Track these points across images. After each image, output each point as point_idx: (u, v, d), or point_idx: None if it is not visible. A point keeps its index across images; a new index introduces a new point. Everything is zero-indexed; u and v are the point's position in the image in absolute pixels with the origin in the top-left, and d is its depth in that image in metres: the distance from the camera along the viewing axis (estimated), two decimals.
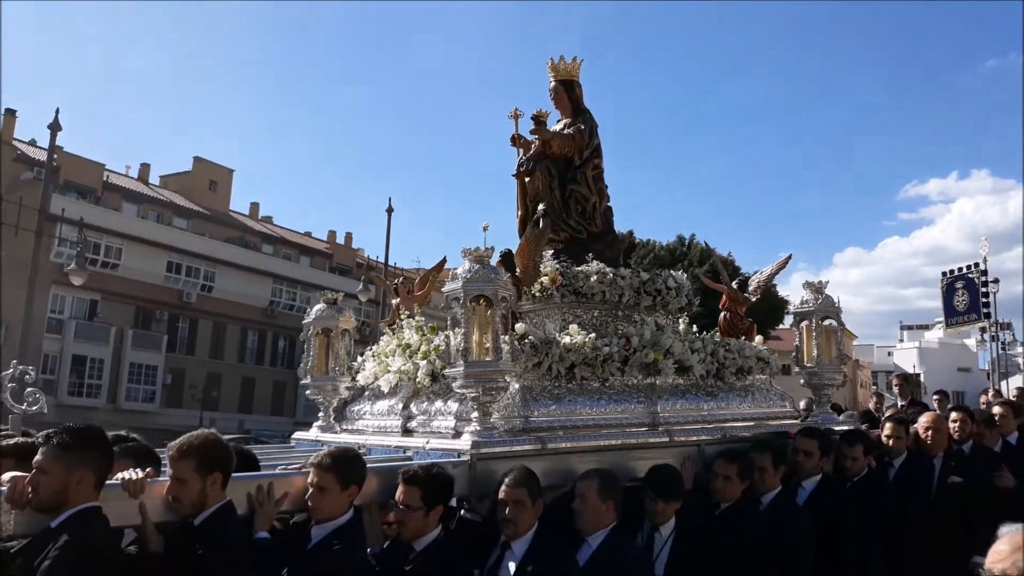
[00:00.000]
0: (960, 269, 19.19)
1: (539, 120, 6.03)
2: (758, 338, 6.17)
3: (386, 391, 5.33)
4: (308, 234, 51.47)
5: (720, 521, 4.86)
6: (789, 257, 6.31)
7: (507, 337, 4.55)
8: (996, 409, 6.76)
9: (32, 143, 38.68)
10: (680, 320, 6.24)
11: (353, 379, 5.84)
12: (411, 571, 3.74)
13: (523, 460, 4.31)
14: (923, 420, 6.17)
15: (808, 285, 6.05)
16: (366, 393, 5.79)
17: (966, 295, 18.58)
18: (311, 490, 3.60)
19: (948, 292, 18.92)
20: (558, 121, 6.31)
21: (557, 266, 5.52)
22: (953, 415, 6.36)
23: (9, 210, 32.73)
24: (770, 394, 5.96)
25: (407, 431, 5.13)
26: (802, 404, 9.75)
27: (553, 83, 6.22)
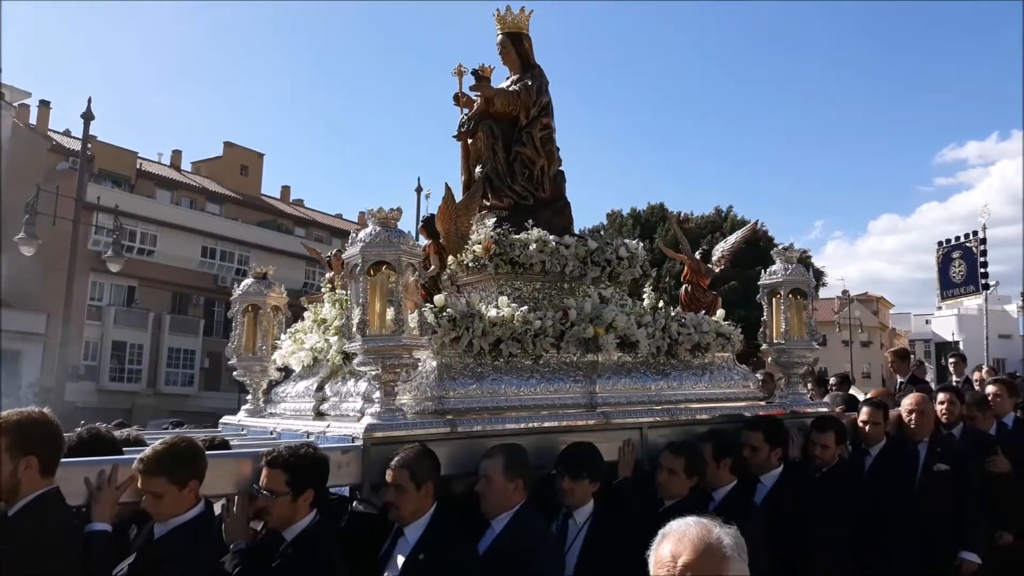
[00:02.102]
0: (958, 239, 18.15)
1: (481, 76, 5.56)
2: (720, 312, 5.64)
3: (297, 370, 4.96)
4: (339, 216, 51.45)
5: (662, 520, 4.40)
6: (756, 223, 5.72)
7: (423, 310, 4.15)
8: (990, 388, 6.16)
9: (67, 133, 39.19)
10: (645, 294, 5.75)
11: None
12: (279, 565, 3.37)
13: (431, 444, 3.91)
14: (906, 402, 5.63)
15: (779, 254, 5.52)
16: (294, 374, 5.43)
17: (963, 265, 17.57)
18: (145, 496, 3.24)
19: (944, 263, 17.93)
20: (507, 78, 5.83)
21: (492, 234, 5.07)
22: (940, 396, 5.79)
23: (46, 199, 33.27)
24: (731, 373, 5.45)
25: (320, 414, 4.76)
26: (832, 380, 9.17)
27: (500, 36, 5.74)
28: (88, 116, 22.84)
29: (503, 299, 4.72)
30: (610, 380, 4.88)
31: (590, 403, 4.76)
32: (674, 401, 5.04)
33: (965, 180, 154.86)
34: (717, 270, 5.92)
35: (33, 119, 38.86)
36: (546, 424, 4.44)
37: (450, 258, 5.17)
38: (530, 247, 5.06)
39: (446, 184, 4.81)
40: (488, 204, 5.57)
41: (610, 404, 4.80)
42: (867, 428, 5.39)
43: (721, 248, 6.11)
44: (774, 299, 5.48)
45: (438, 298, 4.52)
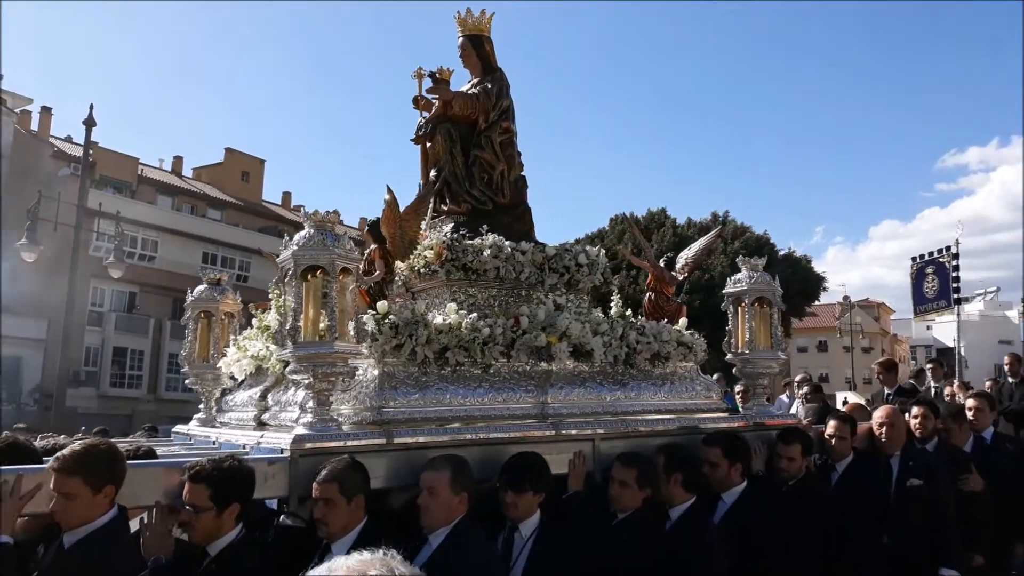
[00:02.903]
0: (931, 254, 18.01)
1: (440, 79, 5.43)
2: (682, 321, 5.48)
3: (241, 379, 4.82)
4: (340, 222, 51.48)
5: (614, 534, 4.25)
6: (721, 230, 5.57)
7: (360, 316, 4.02)
8: (969, 402, 5.96)
9: (68, 139, 39.27)
10: (613, 302, 5.60)
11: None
12: None
13: (365, 456, 3.76)
14: (877, 415, 5.46)
15: (744, 262, 5.36)
16: (242, 383, 5.29)
17: (936, 280, 17.40)
18: (55, 497, 3.09)
19: (918, 278, 17.75)
20: (468, 82, 5.70)
21: (444, 239, 4.92)
22: (915, 409, 5.61)
23: (48, 206, 33.32)
24: (693, 384, 5.29)
25: (262, 424, 4.62)
26: (804, 390, 8.97)
27: (460, 39, 5.61)
28: (90, 122, 22.86)
29: (451, 306, 4.58)
30: (563, 390, 4.73)
31: (541, 414, 4.61)
32: (630, 412, 4.88)
33: (966, 186, 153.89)
34: (680, 278, 5.75)
35: (35, 125, 38.93)
36: (492, 435, 4.27)
37: (402, 264, 5.04)
38: (484, 253, 4.92)
39: (388, 187, 4.68)
40: (446, 209, 5.43)
41: (562, 415, 4.64)
42: (833, 442, 5.22)
43: (685, 255, 5.95)
44: (739, 308, 5.31)
45: (381, 304, 4.37)
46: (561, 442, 4.44)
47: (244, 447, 4.22)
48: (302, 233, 3.97)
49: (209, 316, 5.41)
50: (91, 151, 24.60)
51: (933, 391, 9.69)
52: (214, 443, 4.69)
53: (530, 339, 4.59)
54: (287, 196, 50.36)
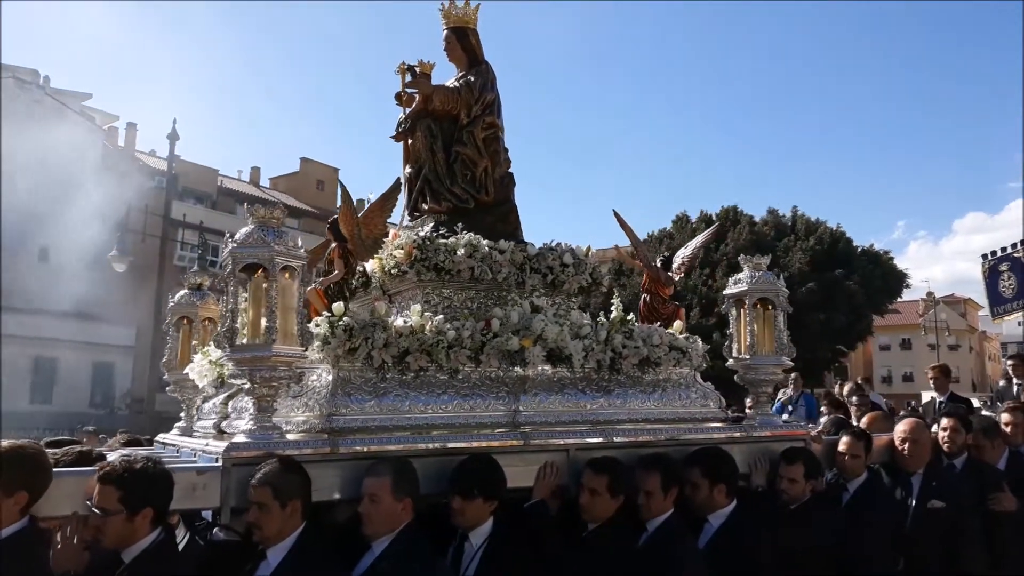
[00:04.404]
0: (1004, 249, 16.31)
1: (421, 72, 5.23)
2: (677, 323, 5.10)
3: (200, 385, 4.69)
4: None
5: (583, 546, 3.96)
6: (717, 226, 5.18)
7: (303, 317, 3.83)
8: (1005, 416, 5.38)
9: (152, 153, 40.82)
10: (614, 305, 5.27)
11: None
12: None
13: (309, 466, 3.57)
14: (899, 429, 4.99)
15: (745, 260, 4.96)
16: (214, 390, 5.17)
17: (1012, 278, 15.75)
18: None
19: (991, 276, 16.06)
20: (455, 77, 5.47)
21: (414, 238, 4.70)
22: (943, 422, 5.10)
23: (136, 217, 34.72)
24: (689, 391, 4.91)
25: (221, 432, 4.47)
26: (824, 405, 8.44)
27: (445, 31, 5.39)
28: (173, 136, 23.77)
29: (415, 307, 4.35)
30: (537, 397, 4.44)
31: (512, 422, 4.33)
32: (613, 421, 4.56)
33: None
34: (677, 278, 5.37)
35: (122, 141, 40.64)
36: (450, 445, 4.00)
37: (374, 264, 4.84)
38: (458, 252, 4.67)
39: (340, 183, 4.48)
40: (426, 208, 5.21)
41: (535, 423, 4.35)
42: (846, 460, 4.78)
43: (682, 254, 5.57)
44: (741, 310, 4.91)
45: (336, 306, 4.18)
46: (530, 452, 4.15)
47: (195, 454, 4.09)
48: (244, 230, 3.81)
49: (191, 322, 5.31)
50: (174, 164, 25.61)
51: (1016, 389, 8.96)
52: (177, 452, 4.58)
53: (501, 343, 4.32)
54: (360, 203, 51.22)
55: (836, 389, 13.28)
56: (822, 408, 8.21)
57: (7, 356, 34.85)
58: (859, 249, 33.58)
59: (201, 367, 4.73)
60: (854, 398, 8.29)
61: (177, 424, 5.33)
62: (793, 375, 11.44)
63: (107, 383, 38.95)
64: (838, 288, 30.28)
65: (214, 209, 41.34)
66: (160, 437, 5.41)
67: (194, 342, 5.16)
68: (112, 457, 3.85)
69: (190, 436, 5.09)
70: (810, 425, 5.93)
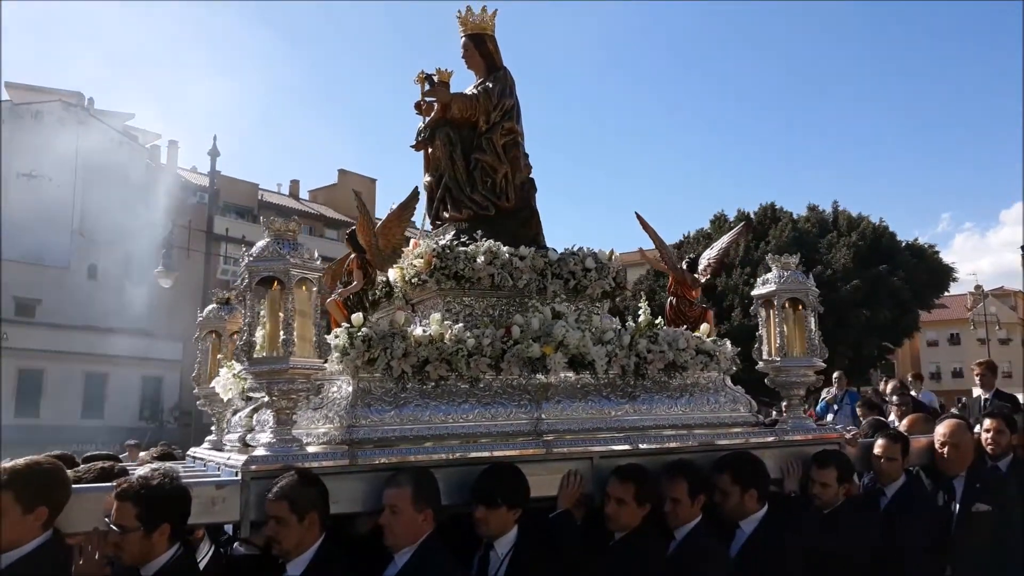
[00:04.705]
0: None
1: (439, 81, 5.20)
2: (704, 326, 4.99)
3: (226, 399, 4.71)
4: None
5: (610, 556, 3.89)
6: (745, 225, 5.08)
7: (321, 329, 3.82)
8: None
9: (193, 170, 41.58)
10: (641, 310, 5.19)
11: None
12: None
13: (328, 479, 3.56)
14: (940, 430, 4.83)
15: (774, 260, 4.84)
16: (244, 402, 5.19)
17: None
18: None
19: None
20: (473, 84, 5.45)
21: (434, 246, 4.67)
22: (986, 422, 4.91)
23: (180, 233, 35.45)
24: (719, 396, 4.80)
25: (247, 445, 4.48)
26: (859, 406, 8.22)
27: (463, 39, 5.37)
28: (214, 153, 24.17)
29: (435, 316, 4.32)
30: (560, 404, 4.37)
31: (535, 430, 4.27)
32: (639, 428, 4.47)
33: None
34: (704, 280, 5.26)
35: (164, 158, 41.49)
36: (471, 455, 3.96)
37: (395, 274, 4.83)
38: (477, 260, 4.63)
39: (355, 193, 4.48)
40: (447, 216, 5.19)
41: (558, 431, 4.29)
42: (882, 463, 4.63)
43: (708, 256, 5.44)
44: (770, 311, 4.79)
45: (355, 316, 4.17)
46: (553, 461, 4.09)
47: (218, 467, 4.10)
48: (260, 243, 3.83)
49: (220, 336, 5.35)
50: (215, 180, 26.07)
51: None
52: (204, 466, 4.60)
53: (521, 350, 4.27)
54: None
55: (881, 386, 12.97)
56: (858, 410, 7.97)
57: (60, 373, 35.75)
58: (903, 243, 32.87)
59: (226, 381, 4.76)
60: (895, 398, 8.03)
61: (208, 438, 5.36)
62: (837, 373, 11.21)
63: (156, 397, 39.67)
64: (882, 284, 29.63)
65: (255, 223, 41.98)
66: (192, 451, 5.46)
67: (219, 356, 5.20)
68: (140, 471, 3.89)
69: (219, 450, 5.12)
70: (849, 427, 5.78)
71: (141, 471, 3.77)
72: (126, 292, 37.70)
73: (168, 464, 4.34)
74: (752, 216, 31.89)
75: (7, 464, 3.11)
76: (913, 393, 11.73)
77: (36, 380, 36.01)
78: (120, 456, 6.96)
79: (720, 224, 32.24)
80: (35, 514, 3.05)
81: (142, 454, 5.61)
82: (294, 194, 46.97)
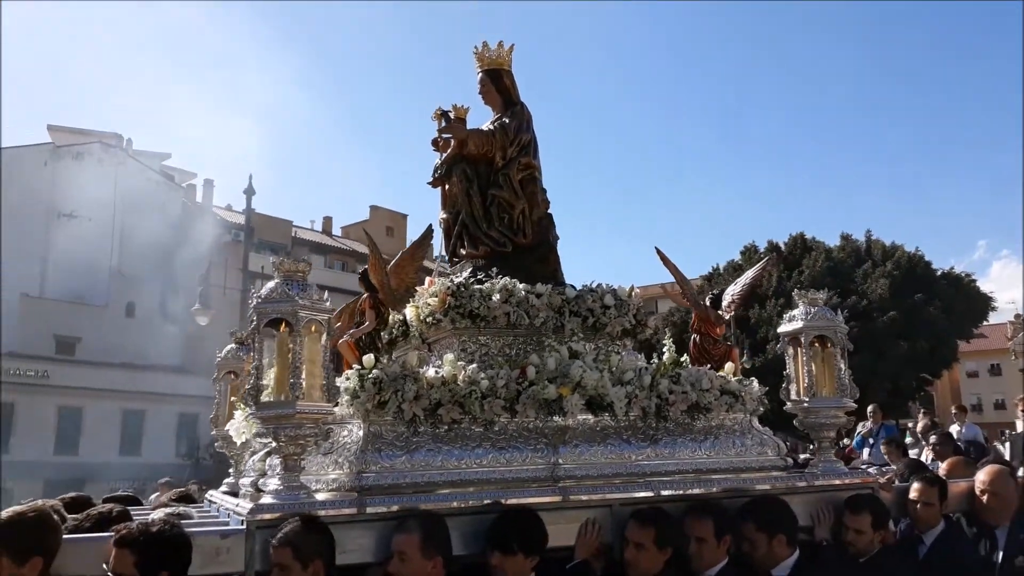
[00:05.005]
0: None
1: (455, 117, 5.16)
2: (729, 365, 4.82)
3: (239, 442, 4.62)
4: None
5: None
6: (770, 259, 4.92)
7: (330, 372, 3.74)
8: None
9: (228, 208, 42.22)
10: (665, 348, 5.05)
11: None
12: None
13: (336, 528, 3.45)
14: (981, 478, 4.59)
15: (801, 295, 4.67)
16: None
17: None
18: None
19: None
20: (491, 119, 5.39)
21: (448, 284, 4.58)
22: None
23: (216, 271, 35.98)
24: (744, 438, 4.61)
25: (259, 490, 4.38)
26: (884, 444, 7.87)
27: (479, 74, 5.32)
28: (250, 192, 24.53)
29: (448, 356, 4.21)
30: (578, 448, 4.22)
31: (552, 476, 4.11)
32: (661, 473, 4.29)
33: None
34: (728, 316, 5.10)
35: (199, 197, 42.20)
36: (485, 503, 3.82)
37: (411, 313, 4.74)
38: (493, 298, 4.53)
39: (365, 232, 4.41)
40: (464, 253, 5.10)
41: (576, 477, 4.13)
42: (918, 508, 4.40)
43: (732, 292, 5.28)
44: (797, 349, 4.61)
45: (367, 358, 4.07)
46: (570, 509, 3.94)
47: (230, 514, 4.01)
48: (269, 284, 3.76)
49: (237, 376, 5.29)
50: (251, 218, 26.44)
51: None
52: (217, 512, 4.52)
53: (537, 391, 4.13)
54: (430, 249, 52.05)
55: (920, 419, 12.58)
56: (882, 448, 7.65)
57: (99, 410, 36.18)
58: (939, 272, 32.19)
59: (239, 424, 4.68)
60: (932, 437, 7.69)
61: (227, 480, 5.28)
62: (871, 407, 10.90)
63: (192, 434, 39.91)
64: (919, 314, 28.97)
65: (288, 259, 42.44)
66: (209, 494, 5.38)
67: (233, 398, 5.13)
68: (155, 515, 3.81)
69: (234, 493, 5.03)
70: (885, 468, 5.54)
71: (156, 515, 3.71)
72: (163, 330, 38.25)
73: (182, 508, 4.27)
74: (782, 247, 31.47)
75: None
76: (956, 427, 11.35)
77: (75, 418, 36.46)
78: (152, 495, 6.92)
79: (750, 255, 31.82)
80: (30, 565, 2.99)
81: (154, 496, 5.54)
82: (327, 230, 47.48)
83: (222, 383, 5.29)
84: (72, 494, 4.69)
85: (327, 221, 47.82)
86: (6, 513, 3.11)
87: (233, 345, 5.33)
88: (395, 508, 3.65)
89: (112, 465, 34.16)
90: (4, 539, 2.99)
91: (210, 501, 5.03)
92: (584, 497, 3.98)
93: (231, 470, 5.30)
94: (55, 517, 3.26)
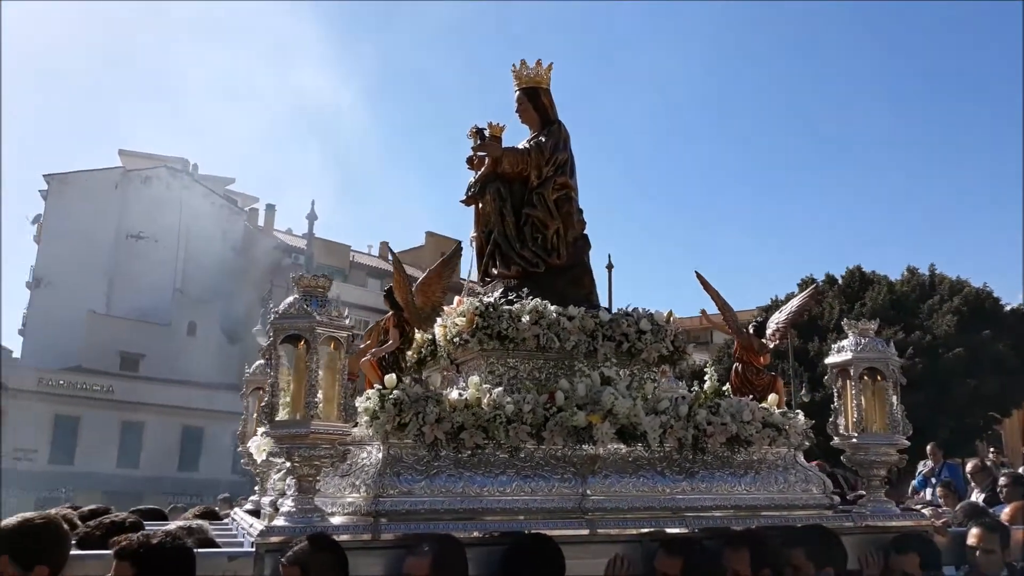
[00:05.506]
0: None
1: (491, 135, 5.04)
2: (772, 396, 4.56)
3: (259, 460, 4.52)
4: None
5: None
6: (816, 287, 4.63)
7: (348, 391, 3.62)
8: None
9: (289, 232, 42.99)
10: (708, 376, 4.83)
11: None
12: None
13: (350, 554, 3.31)
14: None
15: (851, 326, 4.41)
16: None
17: None
18: None
19: None
20: (528, 138, 5.26)
21: (476, 305, 4.43)
22: None
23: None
24: (787, 473, 4.34)
25: (277, 510, 4.27)
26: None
27: (517, 93, 5.21)
28: (312, 217, 24.95)
29: (473, 379, 4.06)
30: (608, 479, 4.01)
31: (579, 507, 3.91)
32: (696, 508, 4.06)
33: None
34: (772, 345, 4.84)
35: (261, 221, 43.09)
36: (498, 532, 3.63)
37: (439, 332, 4.61)
38: (522, 319, 4.37)
39: (389, 249, 4.34)
40: (496, 273, 4.96)
41: (605, 509, 3.92)
42: (978, 556, 4.07)
43: (776, 320, 5.01)
44: (847, 382, 4.34)
45: (388, 378, 3.94)
46: (598, 543, 3.72)
47: (247, 534, 3.90)
48: (287, 299, 3.67)
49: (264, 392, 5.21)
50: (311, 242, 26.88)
51: None
52: (235, 530, 4.42)
53: (565, 418, 3.95)
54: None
55: (990, 456, 11.94)
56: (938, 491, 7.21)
57: (159, 426, 36.94)
58: (1007, 308, 30.80)
59: (260, 441, 4.59)
60: (1001, 478, 7.19)
61: (251, 498, 5.20)
62: (930, 445, 10.38)
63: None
64: (986, 351, 27.73)
65: (346, 282, 42.98)
66: (233, 511, 5.30)
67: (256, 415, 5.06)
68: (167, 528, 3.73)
69: (257, 512, 4.95)
70: (942, 509, 5.19)
71: (168, 528, 3.62)
72: (224, 349, 38.97)
73: (195, 523, 4.18)
74: (839, 280, 30.56)
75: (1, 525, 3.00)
76: None
77: (137, 432, 37.27)
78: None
79: (806, 286, 30.93)
80: (35, 573, 2.91)
81: (188, 512, 5.48)
82: (383, 255, 47.97)
83: (250, 399, 5.22)
84: (148, 507, 4.66)
85: (383, 246, 48.32)
86: (15, 519, 3.06)
87: (262, 361, 5.26)
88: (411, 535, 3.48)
89: (170, 480, 34.80)
90: (10, 545, 2.93)
91: (233, 519, 4.95)
92: (613, 531, 3.77)
93: (256, 488, 5.21)
94: (64, 528, 3.19)
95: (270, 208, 43.18)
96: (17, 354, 38.48)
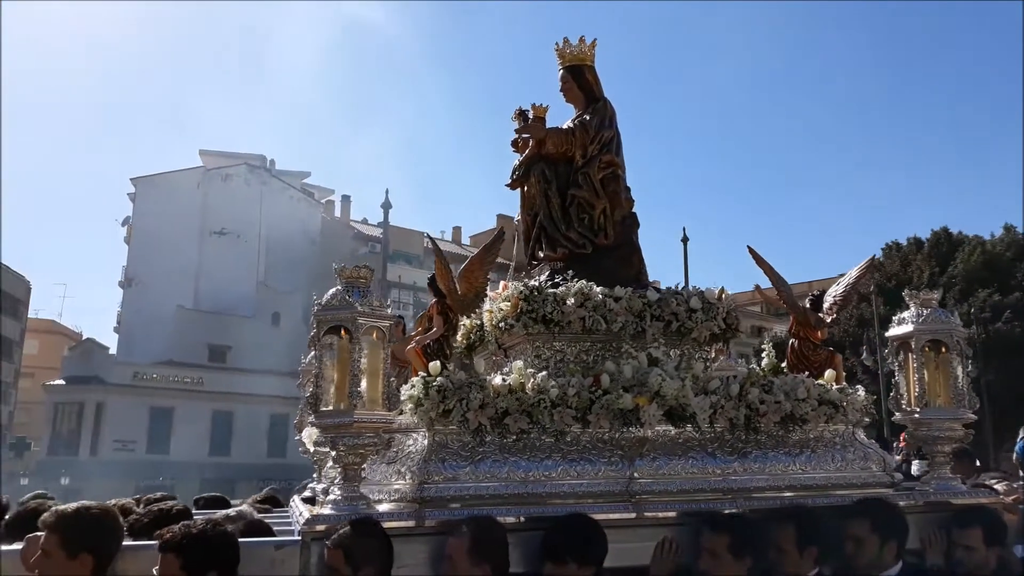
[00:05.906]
0: None
1: (535, 116, 4.98)
2: (829, 373, 4.39)
3: (311, 449, 4.60)
4: None
5: None
6: (873, 258, 4.45)
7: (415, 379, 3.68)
8: None
9: (364, 221, 43.73)
10: (764, 353, 4.72)
11: None
12: None
13: (395, 540, 3.35)
14: None
15: (911, 296, 4.22)
16: None
17: None
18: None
19: None
20: (573, 117, 5.18)
21: (521, 288, 4.41)
22: None
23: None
24: (845, 451, 4.19)
25: None
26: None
27: (560, 71, 5.14)
28: (387, 206, 25.42)
29: (517, 364, 4.04)
30: (656, 462, 3.95)
31: (626, 491, 3.86)
32: (750, 488, 3.96)
33: None
34: (829, 319, 4.66)
35: (338, 212, 43.94)
36: (551, 513, 3.61)
37: (486, 318, 4.60)
38: (568, 302, 4.32)
39: (429, 236, 4.29)
40: (542, 255, 4.92)
41: (653, 492, 3.86)
42: None
43: (834, 292, 4.82)
44: (908, 355, 4.16)
45: (433, 365, 3.96)
46: (646, 527, 3.67)
47: (295, 523, 3.98)
48: (330, 291, 3.71)
49: None
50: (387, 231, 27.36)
51: None
52: (291, 517, 4.53)
53: (611, 400, 3.89)
54: None
55: None
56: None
57: (247, 415, 38.20)
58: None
59: (310, 430, 4.68)
60: None
61: (310, 485, 5.31)
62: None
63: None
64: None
65: (421, 268, 43.50)
66: (293, 498, 5.43)
67: None
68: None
69: (312, 499, 5.05)
70: (1017, 484, 4.94)
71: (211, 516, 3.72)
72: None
73: (242, 508, 4.29)
74: (925, 243, 29.26)
75: (58, 508, 3.12)
76: None
77: (227, 421, 38.66)
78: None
79: (892, 251, 29.71)
80: (79, 561, 3.02)
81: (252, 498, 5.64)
82: (456, 240, 48.36)
83: (305, 389, 5.32)
84: (264, 493, 4.76)
85: (456, 231, 48.70)
86: (75, 505, 3.17)
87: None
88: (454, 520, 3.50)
89: (260, 466, 35.98)
90: (60, 529, 3.03)
91: (292, 505, 5.07)
92: (660, 514, 3.71)
93: (314, 475, 5.32)
94: (120, 521, 3.29)
95: (345, 199, 44.08)
96: (113, 351, 40.34)
